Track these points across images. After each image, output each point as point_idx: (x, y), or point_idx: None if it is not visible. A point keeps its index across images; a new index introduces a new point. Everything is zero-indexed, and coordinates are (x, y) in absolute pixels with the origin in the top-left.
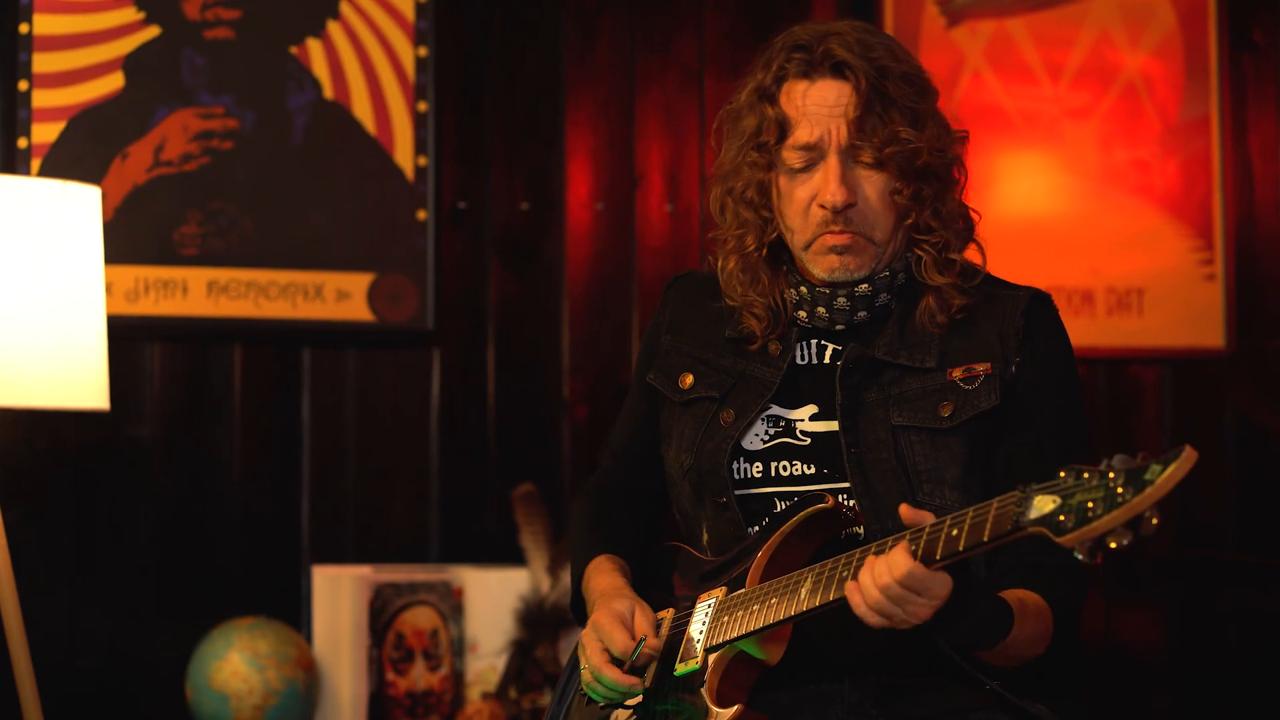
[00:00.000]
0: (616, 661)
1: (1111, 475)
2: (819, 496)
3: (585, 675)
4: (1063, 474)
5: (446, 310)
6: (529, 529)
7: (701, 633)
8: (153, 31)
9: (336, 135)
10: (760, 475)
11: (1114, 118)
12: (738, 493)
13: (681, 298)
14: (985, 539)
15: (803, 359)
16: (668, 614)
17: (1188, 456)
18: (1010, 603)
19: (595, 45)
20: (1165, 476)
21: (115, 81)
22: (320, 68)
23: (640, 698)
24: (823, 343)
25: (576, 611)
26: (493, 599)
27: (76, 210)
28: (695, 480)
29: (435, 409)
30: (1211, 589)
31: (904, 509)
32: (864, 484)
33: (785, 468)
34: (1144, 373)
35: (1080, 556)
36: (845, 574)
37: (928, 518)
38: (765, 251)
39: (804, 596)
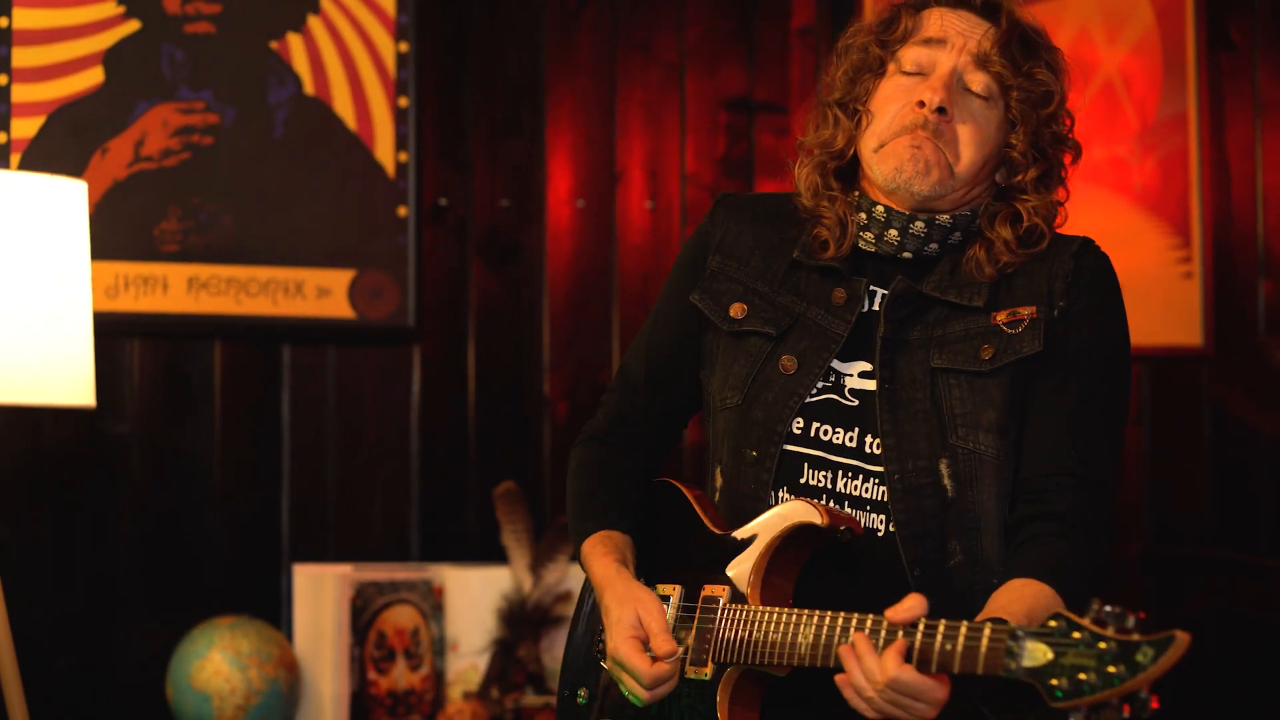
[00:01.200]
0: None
1: (1103, 646)
2: (809, 509)
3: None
4: (1053, 623)
5: (427, 307)
6: (510, 527)
7: (709, 641)
8: (133, 26)
9: (317, 131)
10: (799, 432)
11: (1092, 115)
12: (784, 447)
13: (734, 217)
14: (979, 670)
15: (864, 308)
16: (673, 593)
17: (1179, 643)
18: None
19: (575, 42)
20: (1157, 665)
21: (95, 76)
22: (301, 63)
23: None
24: (882, 292)
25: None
26: (474, 598)
27: (62, 205)
28: (738, 421)
29: (416, 406)
30: (1187, 585)
31: (890, 612)
32: (893, 423)
33: (826, 432)
34: None
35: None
36: (845, 639)
37: (919, 609)
38: (848, 158)
39: (802, 651)
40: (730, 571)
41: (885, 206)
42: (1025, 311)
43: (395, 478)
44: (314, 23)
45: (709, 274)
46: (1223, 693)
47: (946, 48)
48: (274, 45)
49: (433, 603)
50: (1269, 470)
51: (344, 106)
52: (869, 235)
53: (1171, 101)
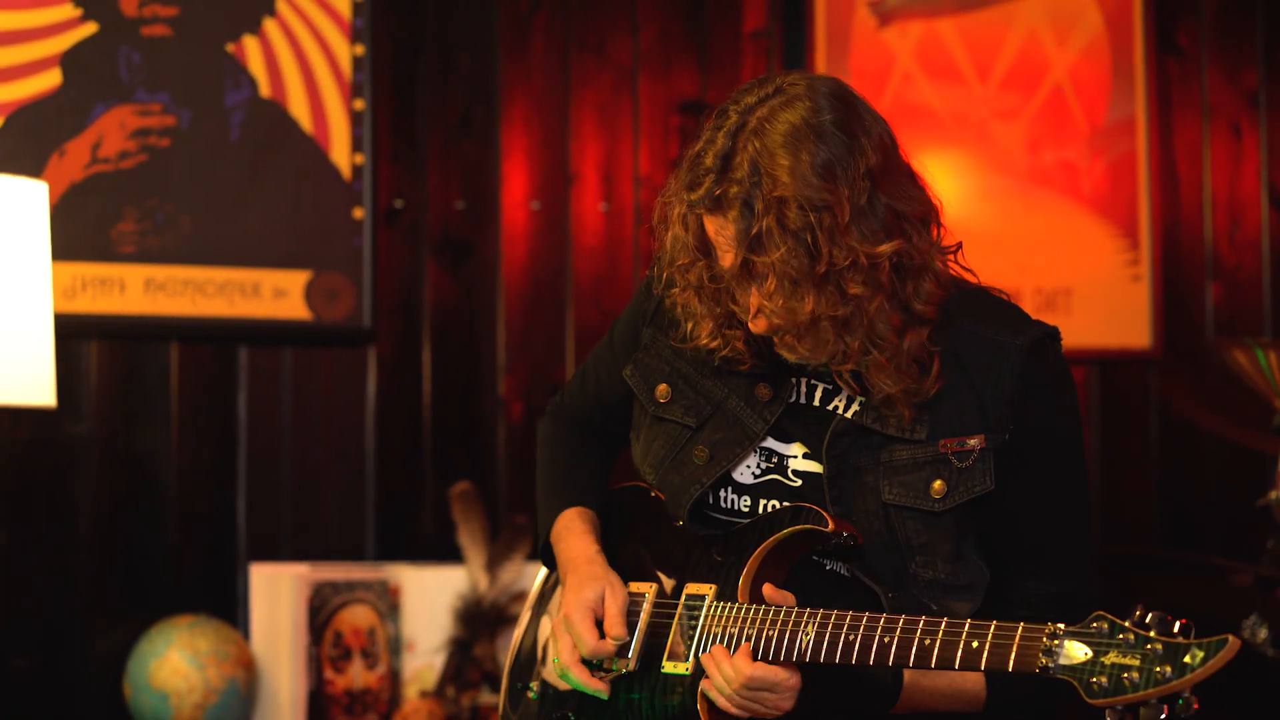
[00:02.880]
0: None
1: (1149, 647)
2: (817, 515)
3: (554, 668)
4: (1095, 624)
5: (383, 308)
6: (466, 527)
7: (692, 637)
8: (90, 28)
9: (273, 133)
10: (748, 510)
11: (1042, 119)
12: (721, 517)
13: (667, 295)
14: (1009, 668)
15: (792, 398)
16: (648, 590)
17: (1231, 647)
18: (908, 674)
19: (529, 45)
20: (1206, 667)
21: (53, 78)
22: (257, 65)
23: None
24: (813, 381)
25: (545, 555)
26: (430, 597)
27: (23, 205)
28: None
29: (371, 407)
30: (1137, 585)
31: (767, 589)
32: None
33: (774, 508)
34: (1072, 372)
35: (1109, 718)
36: (852, 637)
37: (789, 598)
38: (725, 329)
39: (804, 646)
40: (718, 570)
41: (795, 363)
42: (973, 441)
43: (351, 478)
44: (270, 25)
45: (642, 347)
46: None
47: (731, 272)
48: (230, 48)
49: (389, 602)
50: (1216, 470)
51: (300, 109)
52: (789, 354)
53: (1120, 106)
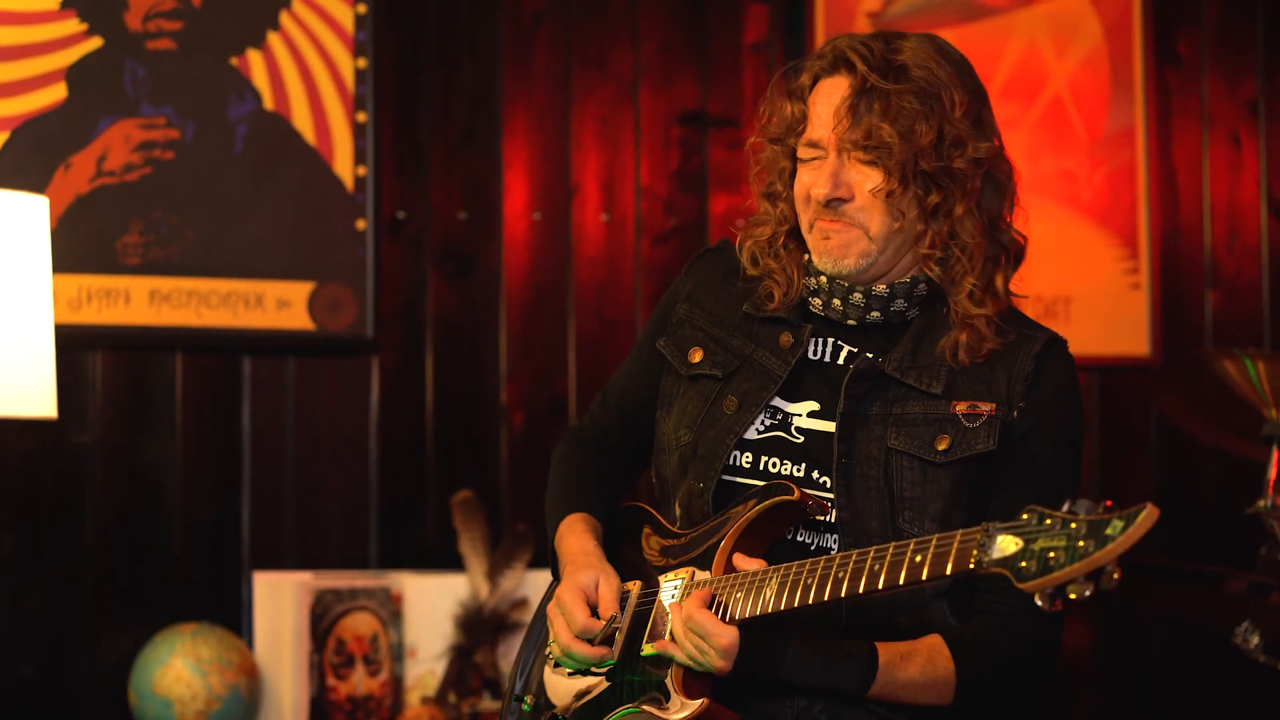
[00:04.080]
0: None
1: (1074, 525)
2: (784, 487)
3: (554, 649)
4: (1025, 515)
5: (385, 319)
6: (467, 535)
7: (667, 615)
8: (95, 43)
9: (277, 145)
10: (749, 465)
11: (1041, 129)
12: (723, 477)
13: (706, 270)
14: (948, 571)
15: (815, 354)
16: (635, 585)
17: (1149, 514)
18: (883, 656)
19: (531, 58)
20: (1126, 534)
21: (58, 92)
22: (260, 79)
23: (610, 666)
24: (839, 342)
25: (552, 562)
26: (432, 604)
27: (24, 220)
28: (687, 457)
29: (374, 416)
30: (1135, 591)
31: (737, 558)
32: (847, 496)
33: (774, 464)
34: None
35: (1041, 604)
36: (810, 580)
37: (759, 563)
38: (783, 238)
39: (769, 598)
40: (695, 554)
41: (827, 278)
42: (985, 407)
43: (354, 486)
44: (274, 39)
45: (676, 321)
46: (1170, 698)
47: (824, 137)
48: (234, 61)
49: (391, 609)
50: (1216, 478)
51: (303, 121)
52: (817, 301)
53: (1120, 116)
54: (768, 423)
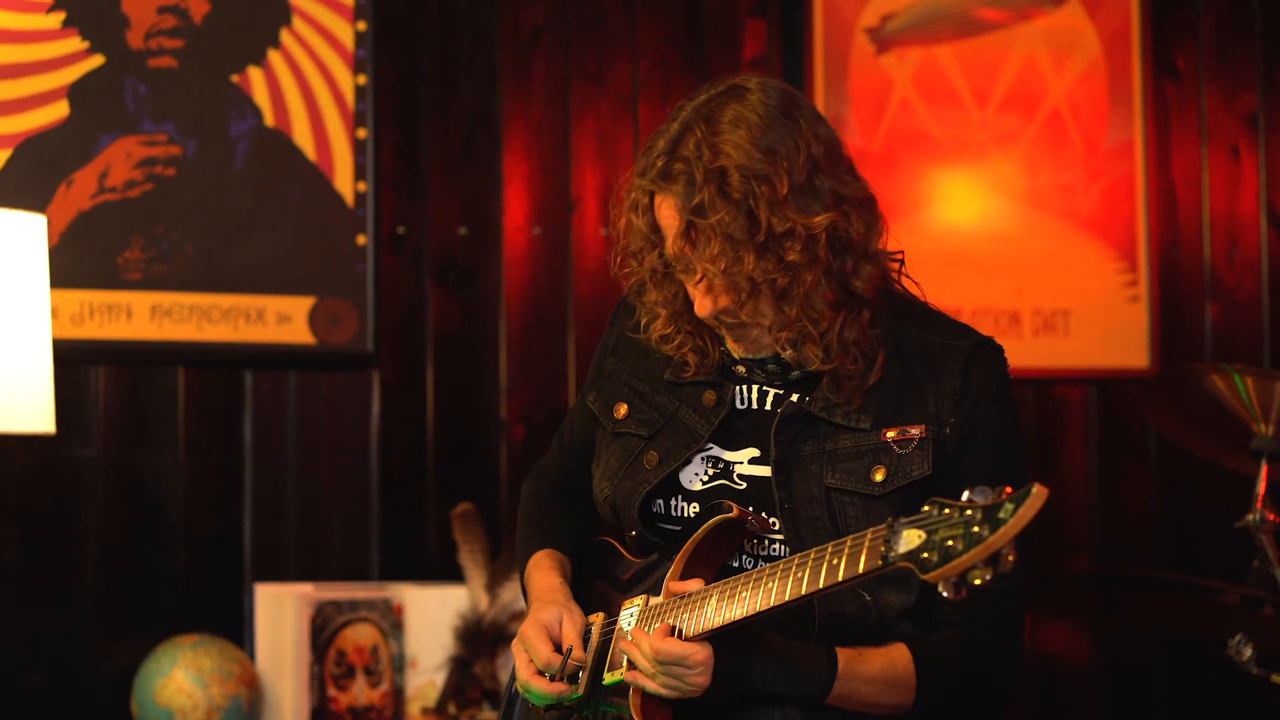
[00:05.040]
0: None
1: (969, 512)
2: (724, 506)
3: (518, 685)
4: (927, 508)
5: (386, 333)
6: (467, 547)
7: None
8: (97, 60)
9: (277, 162)
10: (694, 516)
11: (1040, 143)
12: (673, 529)
13: (627, 320)
14: (860, 570)
15: (742, 404)
16: (598, 618)
17: (1037, 494)
18: (841, 657)
19: (529, 73)
20: (1017, 515)
21: (60, 110)
22: (261, 96)
23: (578, 699)
24: (764, 387)
25: (525, 595)
26: (432, 616)
27: (22, 239)
28: (611, 509)
29: (375, 430)
30: (1132, 604)
31: (675, 584)
32: (796, 537)
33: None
34: (1070, 392)
35: (945, 593)
36: (744, 591)
37: (696, 585)
38: (681, 320)
39: (709, 613)
40: (649, 582)
41: (743, 360)
42: (914, 431)
43: (355, 499)
44: (274, 56)
45: (604, 375)
46: (1169, 709)
47: (674, 256)
48: (235, 78)
49: (392, 621)
50: (1214, 490)
51: (304, 138)
52: (740, 369)
53: (1118, 129)
54: (710, 472)
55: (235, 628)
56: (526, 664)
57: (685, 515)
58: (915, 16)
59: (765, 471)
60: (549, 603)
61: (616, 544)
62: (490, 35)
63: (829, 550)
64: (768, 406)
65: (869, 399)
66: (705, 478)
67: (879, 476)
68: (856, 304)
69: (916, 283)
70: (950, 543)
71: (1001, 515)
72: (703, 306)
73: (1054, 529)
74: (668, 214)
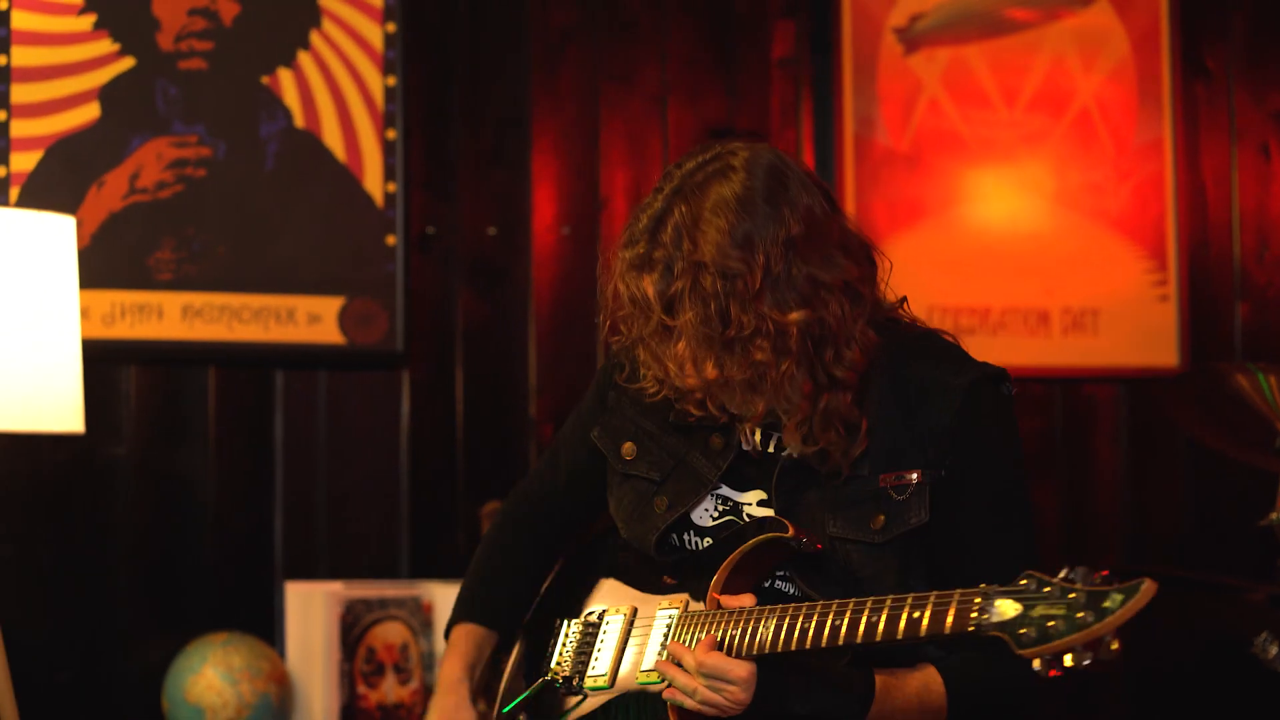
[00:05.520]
0: None
1: (1072, 596)
2: (779, 523)
3: None
4: (1024, 581)
5: (416, 332)
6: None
7: (663, 644)
8: (128, 63)
9: (307, 163)
10: (708, 548)
11: (1069, 142)
12: (684, 563)
13: (627, 352)
14: (946, 631)
15: (748, 445)
16: (625, 610)
17: (1147, 589)
18: (880, 680)
19: (559, 74)
20: (1125, 609)
21: (91, 111)
22: (291, 97)
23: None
24: (768, 431)
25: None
26: None
27: (51, 240)
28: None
29: (405, 429)
30: (1161, 604)
31: (725, 597)
32: (806, 576)
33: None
34: (1099, 392)
35: (1038, 669)
36: (807, 625)
37: (750, 599)
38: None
39: (766, 638)
40: (687, 586)
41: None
42: (910, 476)
43: (385, 498)
44: (304, 58)
45: (608, 409)
46: (1198, 712)
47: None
48: (265, 80)
49: (422, 619)
50: (1243, 490)
51: (333, 139)
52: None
53: (1147, 128)
54: (720, 509)
55: (266, 626)
56: None
57: (698, 548)
58: (944, 16)
59: (772, 514)
60: (445, 710)
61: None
62: (520, 36)
63: (909, 602)
64: (771, 449)
65: (867, 447)
66: (715, 514)
67: (878, 524)
68: (838, 389)
69: (918, 320)
70: (1051, 623)
71: (1108, 605)
72: (684, 382)
73: (1083, 528)
74: (650, 295)
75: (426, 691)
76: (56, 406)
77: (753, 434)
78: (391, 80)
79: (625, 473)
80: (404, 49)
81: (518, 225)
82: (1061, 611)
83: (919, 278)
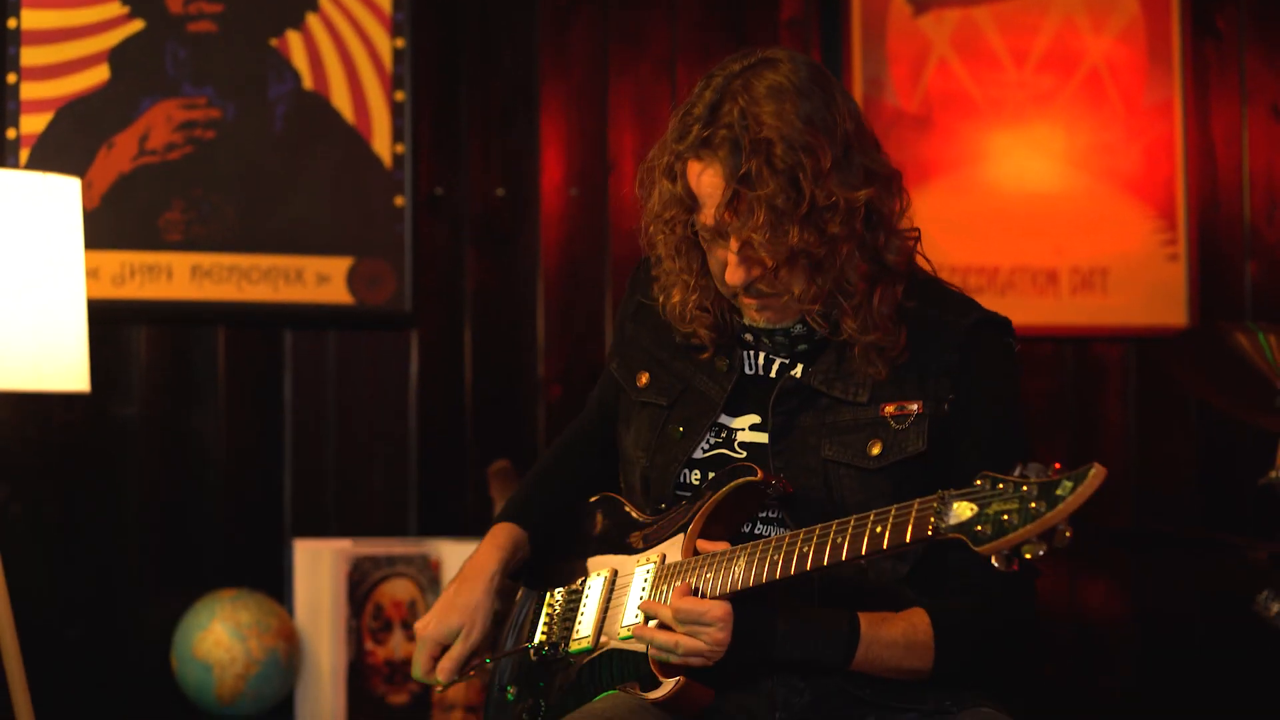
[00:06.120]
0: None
1: (1025, 488)
2: (748, 469)
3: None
4: (979, 481)
5: (424, 293)
6: (503, 503)
7: (641, 599)
8: (137, 25)
9: (316, 124)
10: (698, 482)
11: (1078, 102)
12: (683, 494)
13: (646, 284)
14: (908, 539)
15: (750, 369)
16: (609, 571)
17: (1096, 474)
18: (863, 621)
19: (568, 35)
20: (1075, 495)
21: (101, 74)
22: (300, 59)
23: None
24: (770, 356)
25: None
26: None
27: (57, 201)
28: (644, 478)
29: (414, 388)
30: (1171, 563)
31: (700, 542)
32: (790, 509)
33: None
34: (1109, 351)
35: (997, 564)
36: (776, 556)
37: (724, 545)
38: (698, 296)
39: (738, 574)
40: (663, 541)
41: (751, 329)
42: (912, 406)
43: (394, 457)
44: (313, 20)
45: (625, 341)
46: (1205, 668)
47: (717, 222)
48: (274, 42)
49: (430, 575)
50: (1252, 448)
51: (342, 101)
52: (749, 336)
53: (1157, 89)
54: (713, 440)
55: (276, 583)
56: (417, 665)
57: (688, 482)
58: None
59: (764, 438)
60: (459, 607)
61: (623, 500)
62: None
63: (870, 518)
64: (773, 374)
65: (868, 374)
66: (707, 446)
67: (875, 450)
68: (889, 277)
69: (928, 259)
70: (1005, 517)
71: (1059, 492)
72: (735, 275)
73: None
74: (710, 181)
75: None
76: (63, 366)
77: (756, 356)
78: (400, 42)
79: (640, 401)
80: (412, 11)
81: (526, 187)
82: (1015, 505)
83: (928, 238)
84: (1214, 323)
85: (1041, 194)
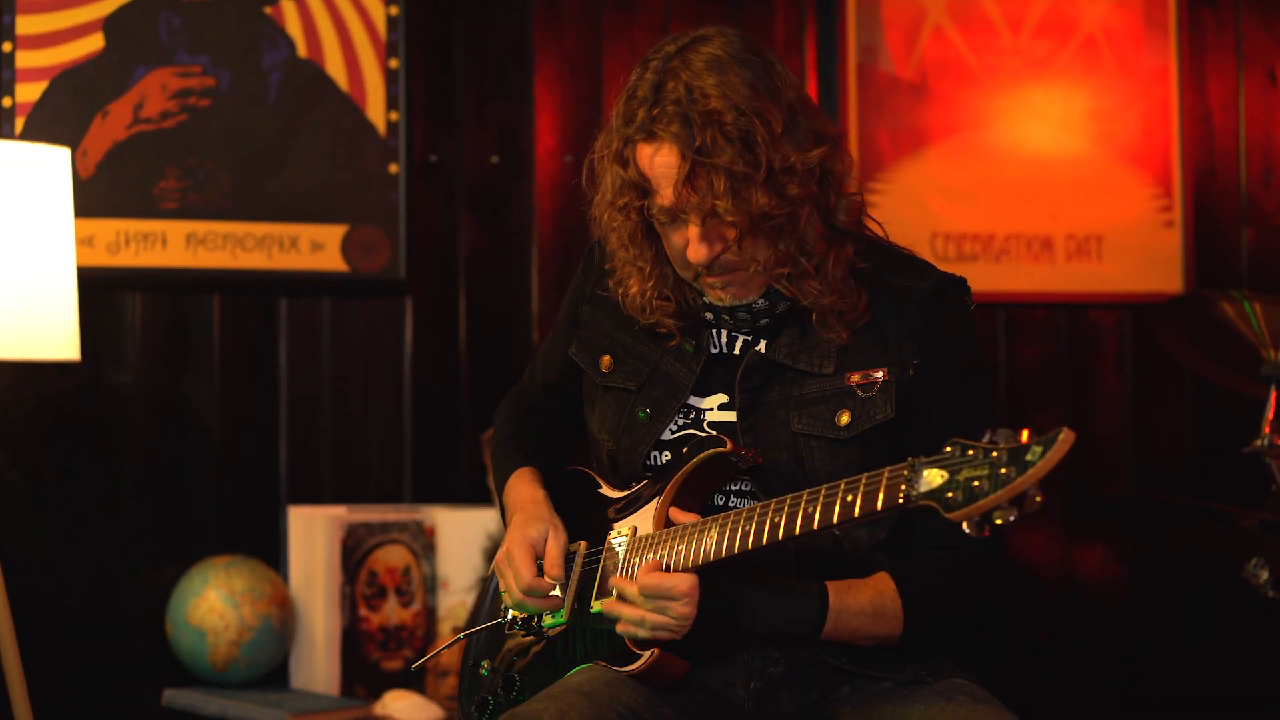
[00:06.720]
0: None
1: (995, 454)
2: (717, 440)
3: (506, 599)
4: (948, 449)
5: (418, 260)
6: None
7: (614, 573)
8: None
9: (310, 92)
10: (666, 464)
11: (1074, 68)
12: (645, 474)
13: (600, 275)
14: (879, 508)
15: (715, 348)
16: (581, 545)
17: (1065, 438)
18: (832, 590)
19: (562, 1)
20: (1045, 460)
21: (95, 42)
22: (294, 27)
23: (561, 625)
24: (733, 334)
25: (503, 515)
26: (463, 537)
27: (48, 171)
28: (612, 459)
29: (408, 356)
30: (1164, 531)
31: (672, 512)
32: (762, 482)
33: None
34: (1104, 317)
35: (968, 530)
36: (748, 526)
37: (695, 516)
38: (657, 284)
39: (709, 546)
40: (635, 513)
41: (712, 308)
42: (877, 374)
43: (389, 423)
44: None
45: (582, 324)
46: (1191, 636)
47: (675, 203)
48: (268, 10)
49: (424, 542)
50: (1248, 416)
51: (336, 68)
52: (709, 315)
53: (1153, 55)
54: (681, 421)
55: (271, 550)
56: (514, 584)
57: (658, 464)
58: None
59: (732, 417)
60: (534, 518)
61: (594, 474)
62: None
63: (841, 487)
64: (736, 351)
65: (832, 344)
66: (675, 427)
67: (844, 420)
68: (840, 238)
69: (879, 224)
70: (976, 483)
71: (1029, 458)
72: (698, 252)
73: (1087, 455)
74: (664, 161)
75: (428, 614)
76: (53, 334)
77: (719, 335)
78: (394, 9)
79: (605, 385)
80: None
81: (520, 154)
82: (985, 471)
83: (923, 205)
84: (1200, 290)
85: (1037, 160)
